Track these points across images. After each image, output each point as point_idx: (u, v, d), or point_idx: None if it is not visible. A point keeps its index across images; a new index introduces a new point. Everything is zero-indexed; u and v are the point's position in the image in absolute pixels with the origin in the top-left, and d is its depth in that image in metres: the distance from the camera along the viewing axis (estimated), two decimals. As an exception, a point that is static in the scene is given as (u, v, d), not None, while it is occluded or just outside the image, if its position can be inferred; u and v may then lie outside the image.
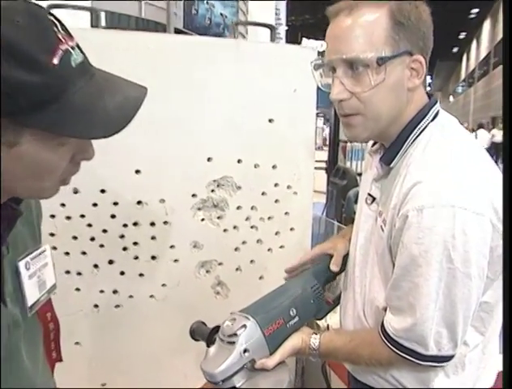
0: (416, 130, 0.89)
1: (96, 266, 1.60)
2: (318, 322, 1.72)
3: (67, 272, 1.57)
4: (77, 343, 1.63)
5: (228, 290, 1.75)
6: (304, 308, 1.02)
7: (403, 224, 0.83)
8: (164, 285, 1.67)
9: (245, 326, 0.90)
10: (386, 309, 0.94)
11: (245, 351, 0.89)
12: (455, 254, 0.78)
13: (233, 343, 0.89)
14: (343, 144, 4.68)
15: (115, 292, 1.63)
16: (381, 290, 0.97)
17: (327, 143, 3.59)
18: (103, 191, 1.54)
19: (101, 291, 1.61)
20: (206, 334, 0.99)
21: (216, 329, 0.96)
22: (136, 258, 1.62)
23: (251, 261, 1.77)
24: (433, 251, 0.79)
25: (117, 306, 1.64)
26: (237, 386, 0.89)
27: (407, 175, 0.86)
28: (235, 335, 0.89)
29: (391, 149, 0.93)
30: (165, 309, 1.67)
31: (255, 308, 0.98)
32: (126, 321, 1.65)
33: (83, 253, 1.57)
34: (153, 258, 1.64)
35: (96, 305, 1.62)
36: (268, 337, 0.92)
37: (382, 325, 0.92)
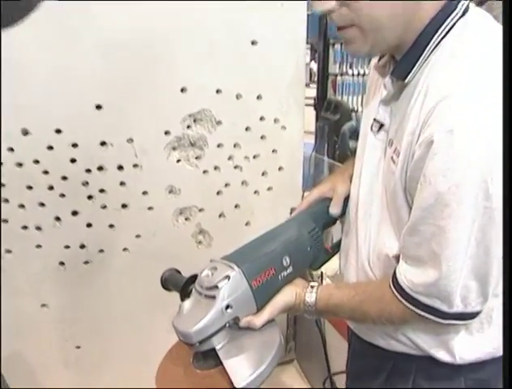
0: (439, 32, 0.71)
1: (57, 218, 1.43)
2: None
3: (24, 227, 1.41)
4: (44, 305, 1.50)
5: (211, 239, 1.61)
6: (299, 256, 0.89)
7: (426, 153, 0.67)
8: (138, 236, 1.53)
9: (227, 277, 0.77)
10: (398, 259, 0.79)
11: (227, 307, 0.76)
12: (495, 189, 0.63)
13: (213, 297, 0.76)
14: (332, 78, 4.43)
15: (82, 246, 1.48)
16: (392, 236, 0.82)
17: (315, 79, 3.34)
18: (58, 131, 1.35)
19: (66, 246, 1.46)
20: (180, 284, 0.85)
21: (193, 279, 0.83)
22: (104, 207, 1.47)
23: (236, 206, 1.62)
24: (467, 185, 0.63)
25: (86, 263, 1.50)
26: (217, 348, 0.77)
27: (431, 89, 0.69)
28: (215, 287, 0.76)
29: (406, 60, 0.75)
30: (141, 263, 1.54)
31: (241, 255, 0.84)
32: (98, 278, 1.52)
33: (41, 204, 1.40)
34: (124, 206, 1.48)
35: (62, 263, 1.48)
36: (256, 290, 0.79)
37: (395, 277, 0.78)
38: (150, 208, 1.51)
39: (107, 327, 1.57)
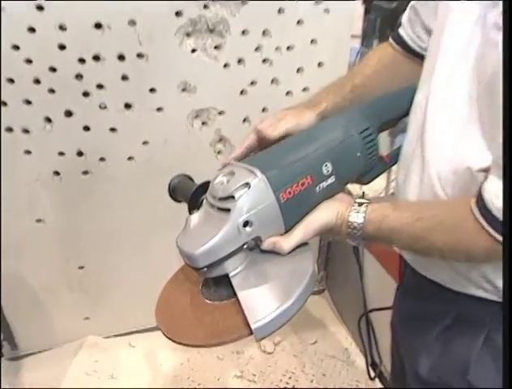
0: None
1: (48, 120, 1.23)
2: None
3: (9, 130, 1.20)
4: (39, 220, 1.34)
5: (233, 148, 1.38)
6: (344, 163, 0.71)
7: None
8: (145, 143, 1.32)
9: (247, 184, 0.61)
10: (485, 173, 0.60)
11: (245, 224, 0.61)
12: None
13: (228, 210, 0.61)
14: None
15: (80, 154, 1.28)
16: (480, 142, 0.61)
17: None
18: (40, 8, 1.10)
19: (61, 153, 1.27)
20: (190, 193, 0.71)
21: (205, 187, 0.68)
22: (103, 107, 1.24)
23: (263, 109, 1.37)
24: None
25: (85, 173, 1.32)
26: (231, 275, 0.64)
27: None
28: (231, 197, 0.61)
29: None
30: (149, 175, 1.35)
31: (267, 158, 0.68)
32: (99, 191, 1.34)
33: (27, 102, 1.19)
34: (127, 106, 1.26)
35: (57, 173, 1.29)
36: (284, 205, 0.63)
37: (480, 199, 0.59)
38: (159, 109, 1.28)
39: (111, 246, 1.43)
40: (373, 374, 1.43)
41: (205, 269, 0.61)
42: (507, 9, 0.56)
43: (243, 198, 0.60)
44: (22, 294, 1.41)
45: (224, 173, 0.65)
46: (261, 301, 0.60)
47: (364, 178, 0.79)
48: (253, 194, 0.61)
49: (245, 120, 1.37)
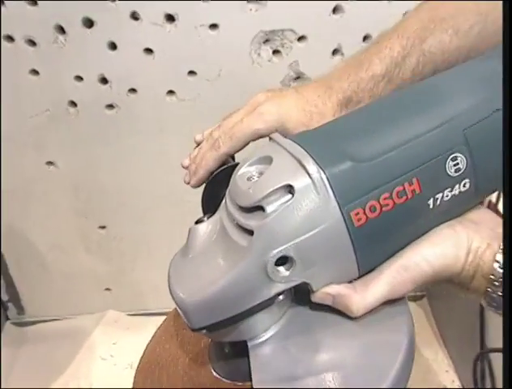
0: None
1: (60, 29, 0.93)
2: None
3: (9, 39, 0.92)
4: (50, 163, 1.08)
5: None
6: (486, 161, 0.39)
7: None
8: (191, 73, 1.00)
9: (289, 188, 0.36)
10: None
11: (281, 261, 0.36)
12: None
13: (250, 232, 0.36)
14: None
15: (104, 80, 0.99)
16: None
17: None
18: None
19: (78, 77, 0.98)
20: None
21: (225, 177, 0.46)
22: (136, 18, 0.93)
23: (365, 37, 0.99)
24: None
25: (111, 107, 1.03)
26: (250, 344, 0.39)
27: None
28: (259, 209, 0.36)
29: None
30: (194, 117, 1.03)
31: (330, 139, 0.39)
32: (127, 131, 1.05)
33: (33, 2, 0.89)
34: (169, 18, 0.95)
35: (73, 103, 1.01)
36: (361, 231, 0.36)
37: None
38: (213, 26, 0.94)
39: (141, 204, 1.15)
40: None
41: (203, 331, 0.37)
42: (507, 9, 0.41)
43: (279, 215, 0.35)
44: (29, 251, 1.19)
45: (256, 157, 0.39)
46: None
47: None
48: (298, 209, 0.35)
49: (335, 51, 0.99)
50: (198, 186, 0.53)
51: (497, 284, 0.37)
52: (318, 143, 0.38)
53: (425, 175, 0.37)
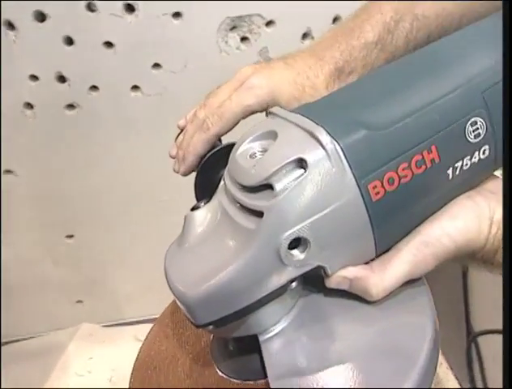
0: None
1: (9, 25, 0.86)
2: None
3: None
4: (8, 171, 1.01)
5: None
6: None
7: None
8: (156, 66, 0.95)
9: (301, 162, 0.33)
10: None
11: (294, 243, 0.33)
12: None
13: (259, 214, 0.33)
14: None
15: (61, 79, 0.93)
16: None
17: None
18: None
19: (33, 77, 0.92)
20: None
21: (228, 152, 0.39)
22: (93, 10, 0.86)
23: (334, 19, 0.95)
24: None
25: (71, 107, 0.96)
26: (262, 338, 0.36)
27: None
28: (268, 187, 0.33)
29: None
30: (161, 113, 0.98)
31: (340, 108, 0.36)
32: (90, 132, 0.99)
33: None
34: (129, 8, 0.89)
35: (29, 105, 0.94)
36: (379, 205, 0.33)
37: None
38: (176, 15, 0.89)
39: (111, 209, 1.09)
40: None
41: (210, 327, 0.34)
42: (507, 9, 0.38)
43: (292, 192, 0.32)
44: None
45: (257, 132, 0.37)
46: None
47: None
48: (312, 184, 0.32)
49: (305, 35, 0.95)
50: (189, 173, 0.49)
51: None
52: (327, 113, 0.36)
53: (444, 142, 0.35)
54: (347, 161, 0.32)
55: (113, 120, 0.97)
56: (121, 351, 1.19)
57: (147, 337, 0.45)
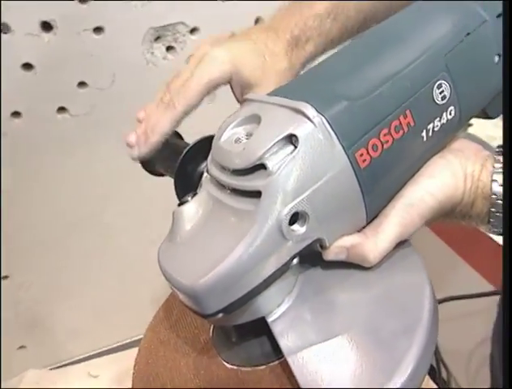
0: None
1: None
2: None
3: None
4: None
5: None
6: (474, 79, 0.41)
7: None
8: (82, 85, 0.91)
9: (292, 138, 0.33)
10: None
11: (294, 218, 0.34)
12: None
13: (256, 194, 0.33)
14: None
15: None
16: None
17: None
18: None
19: None
20: (176, 161, 0.45)
21: (206, 147, 0.41)
22: (6, 31, 0.81)
23: (256, 20, 0.97)
24: None
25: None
26: (270, 319, 0.36)
27: None
28: (261, 167, 0.34)
29: None
30: (93, 134, 0.95)
31: (321, 84, 0.38)
32: (17, 160, 0.93)
33: None
34: (46, 27, 0.85)
35: None
36: (366, 172, 0.36)
37: None
38: (98, 30, 0.86)
39: (48, 245, 1.02)
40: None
41: (219, 315, 0.33)
42: (507, 9, 0.42)
43: (287, 168, 0.33)
44: None
45: (239, 118, 0.37)
46: (336, 372, 0.31)
47: (492, 107, 0.46)
48: (304, 158, 0.33)
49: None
50: (147, 158, 0.48)
51: (499, 202, 0.37)
52: (306, 89, 0.37)
53: (416, 106, 0.37)
54: (334, 132, 0.34)
55: (41, 145, 0.92)
56: (74, 392, 1.13)
57: (139, 349, 0.43)
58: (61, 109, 0.91)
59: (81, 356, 1.16)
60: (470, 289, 0.97)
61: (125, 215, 1.05)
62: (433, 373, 1.13)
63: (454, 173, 0.39)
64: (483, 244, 0.89)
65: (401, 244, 0.39)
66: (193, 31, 0.92)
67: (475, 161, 0.39)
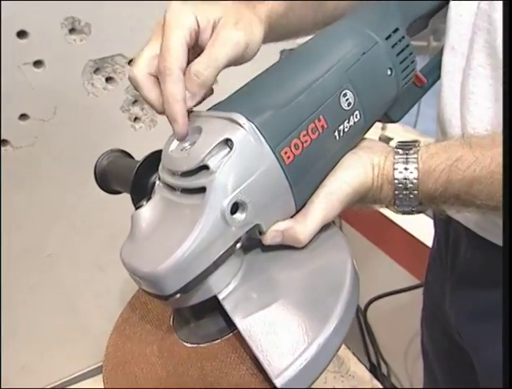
0: None
1: None
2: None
3: None
4: None
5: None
6: (372, 89, 0.51)
7: None
8: (23, 117, 0.93)
9: (228, 142, 0.41)
10: None
11: (235, 208, 0.41)
12: None
13: (201, 190, 0.40)
14: None
15: None
16: None
17: None
18: None
19: None
20: (130, 175, 0.50)
21: (154, 161, 0.48)
22: None
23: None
24: None
25: None
26: (221, 297, 0.43)
27: None
28: (204, 168, 0.40)
29: None
30: (38, 168, 0.96)
31: (250, 97, 0.46)
32: None
33: None
34: None
35: None
36: (291, 167, 0.43)
37: None
38: (37, 63, 0.90)
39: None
40: (377, 383, 1.19)
41: (177, 295, 0.39)
42: (507, 9, 0.47)
43: (225, 167, 0.39)
44: None
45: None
46: (280, 334, 0.38)
47: (394, 112, 0.57)
48: (239, 158, 0.40)
49: (167, 69, 1.02)
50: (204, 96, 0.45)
51: (400, 186, 0.46)
52: (239, 102, 0.45)
53: (327, 112, 0.45)
54: (263, 135, 0.41)
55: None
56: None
57: (107, 347, 0.47)
58: (4, 142, 0.92)
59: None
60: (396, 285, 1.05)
61: (71, 244, 1.06)
62: (374, 369, 1.21)
63: (364, 165, 0.47)
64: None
65: (327, 226, 0.47)
66: (131, 62, 0.97)
67: (380, 155, 0.47)
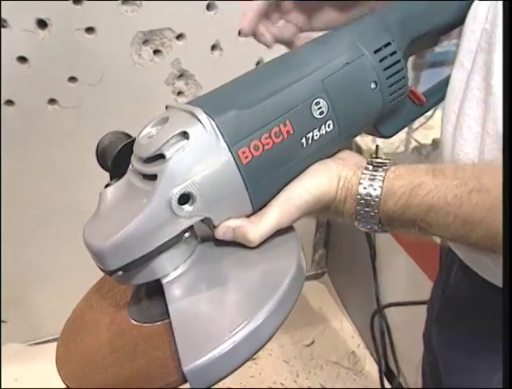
0: None
1: None
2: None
3: None
4: None
5: (199, 87, 1.05)
6: (350, 101, 0.50)
7: None
8: (72, 80, 0.98)
9: (184, 134, 0.42)
10: None
11: (183, 199, 0.41)
12: None
13: (154, 177, 0.41)
14: None
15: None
16: None
17: None
18: None
19: None
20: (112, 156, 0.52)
21: (127, 151, 0.48)
22: (4, 25, 0.88)
23: (240, 30, 1.03)
24: None
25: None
26: (164, 281, 0.44)
27: None
28: (160, 157, 0.42)
29: None
30: (80, 126, 1.01)
31: (217, 95, 0.47)
32: (8, 148, 0.99)
33: None
34: (41, 24, 0.92)
35: None
36: (248, 168, 0.43)
37: None
38: (89, 30, 0.94)
39: (26, 222, 1.09)
40: (388, 387, 1.17)
41: (119, 273, 0.41)
42: (507, 9, 0.47)
43: (177, 157, 0.41)
44: None
45: (154, 120, 0.45)
46: (206, 324, 0.40)
47: (384, 127, 0.56)
48: (194, 151, 0.41)
49: (214, 47, 1.03)
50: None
51: (362, 202, 0.45)
52: (207, 100, 0.46)
53: (296, 117, 0.45)
54: (220, 132, 0.41)
55: (30, 134, 0.99)
56: (47, 369, 1.19)
57: (73, 311, 0.51)
58: (52, 101, 0.98)
59: (55, 337, 1.23)
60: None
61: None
62: (388, 373, 1.19)
63: (330, 175, 0.46)
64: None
65: (285, 231, 0.46)
66: (179, 37, 0.99)
67: (351, 168, 0.46)
